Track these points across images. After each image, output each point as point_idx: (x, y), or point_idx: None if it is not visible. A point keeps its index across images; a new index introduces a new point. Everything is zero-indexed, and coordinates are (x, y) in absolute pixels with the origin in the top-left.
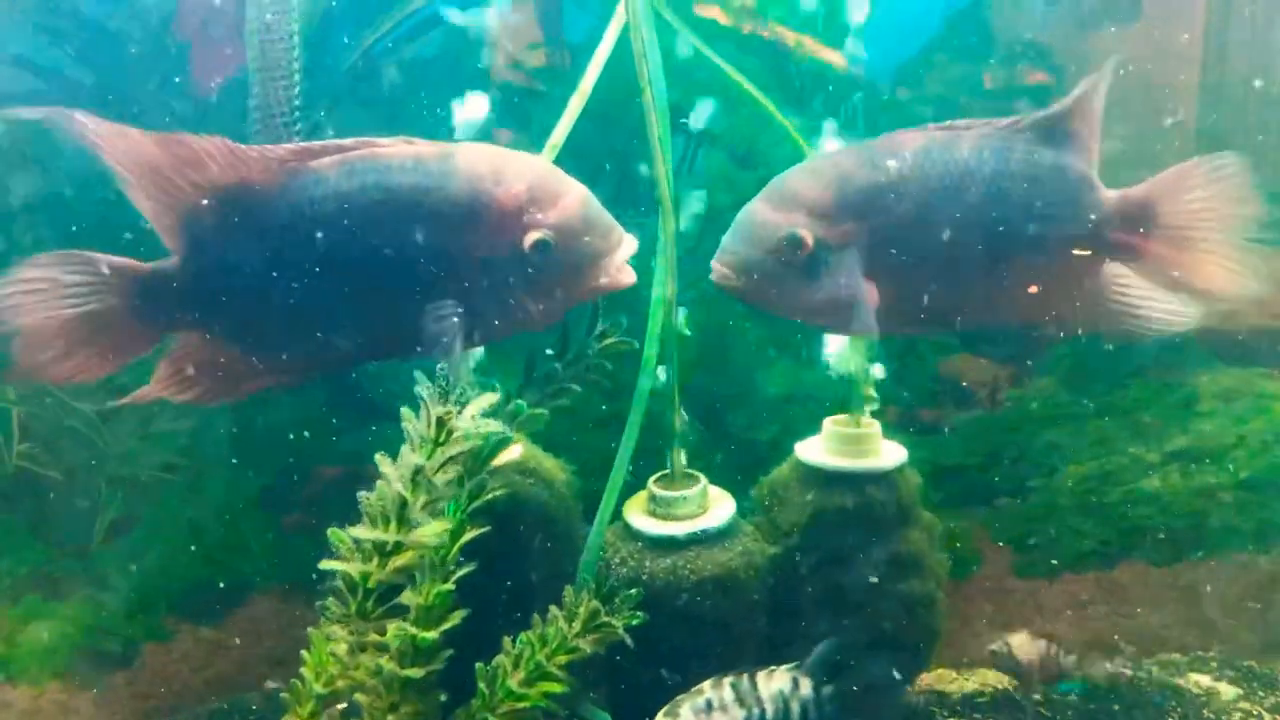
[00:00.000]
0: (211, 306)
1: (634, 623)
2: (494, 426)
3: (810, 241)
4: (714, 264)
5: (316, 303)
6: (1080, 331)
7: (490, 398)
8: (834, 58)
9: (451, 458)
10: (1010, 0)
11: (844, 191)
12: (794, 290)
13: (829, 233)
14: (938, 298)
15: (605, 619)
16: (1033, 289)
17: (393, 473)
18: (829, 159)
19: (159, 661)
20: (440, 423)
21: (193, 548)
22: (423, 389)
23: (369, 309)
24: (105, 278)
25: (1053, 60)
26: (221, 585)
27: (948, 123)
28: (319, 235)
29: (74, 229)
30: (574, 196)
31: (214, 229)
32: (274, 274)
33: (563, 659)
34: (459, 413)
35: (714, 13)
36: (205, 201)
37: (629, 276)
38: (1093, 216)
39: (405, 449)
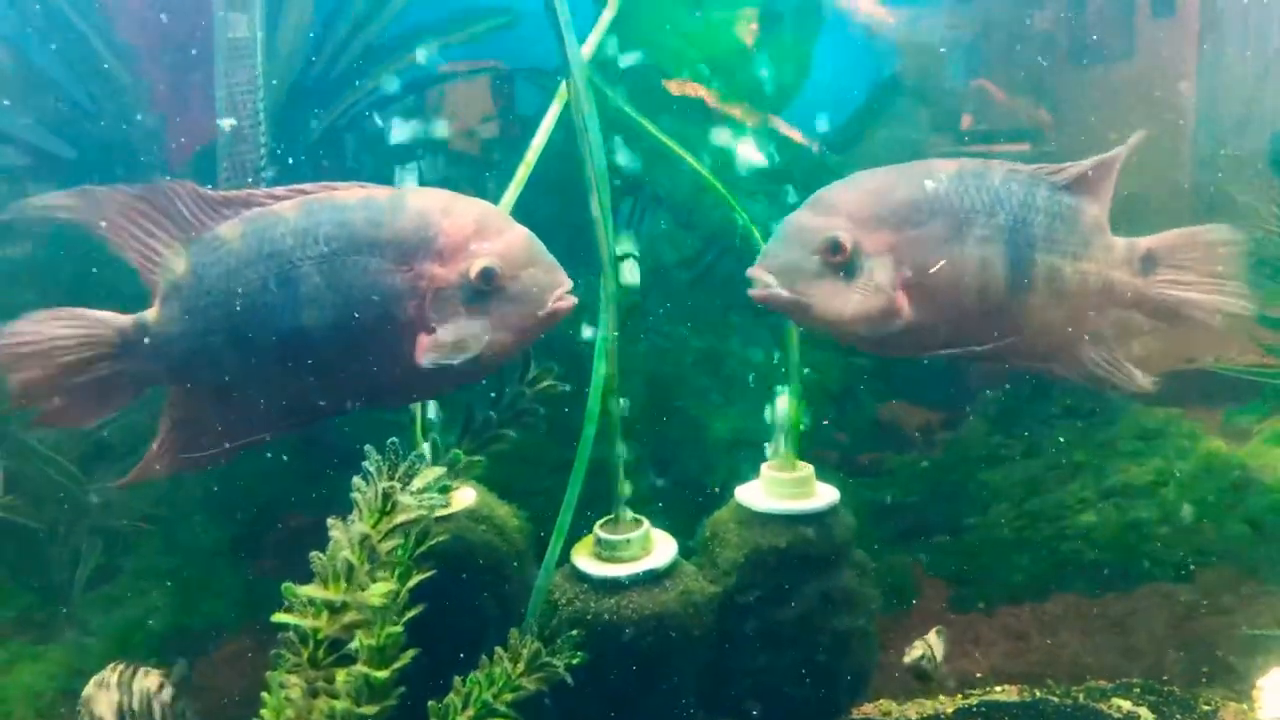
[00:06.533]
0: (186, 353)
1: (575, 662)
2: (438, 500)
3: (849, 245)
4: (752, 272)
5: (282, 343)
6: (1053, 371)
7: (435, 471)
8: (784, 127)
9: (397, 525)
10: (933, 68)
11: (883, 202)
12: (830, 295)
13: (867, 240)
14: (962, 317)
15: (547, 659)
16: (1041, 318)
17: (342, 538)
18: (870, 174)
19: None
20: (386, 495)
21: (170, 594)
22: (371, 462)
23: (328, 344)
24: (92, 330)
25: (974, 128)
26: (197, 629)
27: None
28: (279, 273)
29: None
30: (518, 232)
31: (183, 274)
32: (240, 315)
33: (508, 697)
34: (403, 488)
35: (685, 88)
36: (177, 247)
37: (569, 302)
38: (1102, 257)
39: (354, 515)
